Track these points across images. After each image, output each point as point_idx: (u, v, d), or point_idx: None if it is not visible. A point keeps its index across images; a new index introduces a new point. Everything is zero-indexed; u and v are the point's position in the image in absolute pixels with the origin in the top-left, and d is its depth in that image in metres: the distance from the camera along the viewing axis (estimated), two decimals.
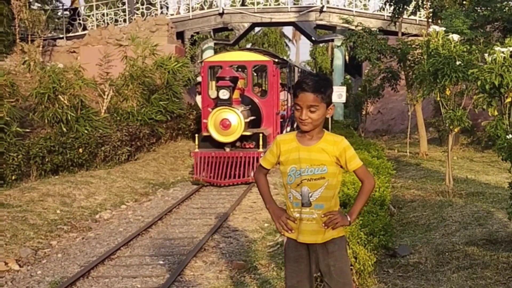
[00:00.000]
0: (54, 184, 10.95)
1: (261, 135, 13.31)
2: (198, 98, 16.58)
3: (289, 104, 17.86)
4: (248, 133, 13.30)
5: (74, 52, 22.55)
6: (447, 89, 8.85)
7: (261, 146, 13.21)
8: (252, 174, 12.38)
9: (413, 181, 10.87)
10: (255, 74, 19.72)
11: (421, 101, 14.44)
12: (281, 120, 16.42)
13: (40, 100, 13.62)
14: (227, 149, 13.14)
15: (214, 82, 13.97)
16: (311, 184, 3.49)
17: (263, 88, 16.86)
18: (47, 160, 12.23)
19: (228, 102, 12.87)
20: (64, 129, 13.33)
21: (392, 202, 8.72)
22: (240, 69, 15.76)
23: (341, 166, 3.54)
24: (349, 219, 3.54)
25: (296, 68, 20.47)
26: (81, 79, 14.62)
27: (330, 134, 3.58)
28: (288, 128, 18.05)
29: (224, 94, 12.80)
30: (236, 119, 12.95)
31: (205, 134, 13.43)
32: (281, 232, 3.66)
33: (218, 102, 12.97)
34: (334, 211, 3.54)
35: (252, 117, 14.14)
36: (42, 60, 19.15)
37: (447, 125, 9.08)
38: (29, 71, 16.67)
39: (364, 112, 18.05)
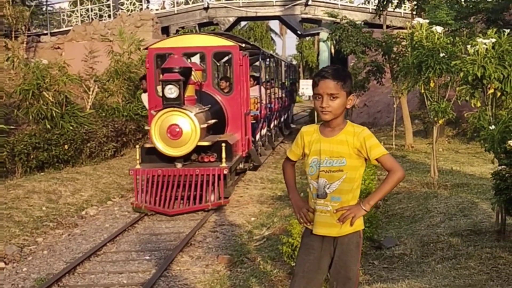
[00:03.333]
0: (40, 181, 10.89)
1: (223, 145, 9.91)
2: (144, 97, 12.67)
3: (264, 102, 14.99)
4: (206, 143, 10.03)
5: (58, 48, 22.46)
6: (431, 81, 8.87)
7: (224, 160, 9.91)
8: (212, 198, 9.71)
9: None
10: (219, 64, 16.36)
11: (406, 94, 14.49)
12: (254, 121, 13.45)
13: (24, 97, 13.55)
14: (179, 165, 9.88)
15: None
16: (328, 176, 3.46)
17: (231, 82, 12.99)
18: (32, 157, 12.16)
19: (177, 102, 9.69)
20: (49, 126, 13.25)
21: None
22: (203, 60, 12.68)
23: (365, 159, 3.45)
24: (363, 207, 3.42)
25: (274, 58, 18.95)
26: (66, 75, 14.55)
27: (352, 125, 3.51)
28: (263, 131, 15.38)
29: (171, 92, 9.67)
30: (188, 124, 9.74)
31: (148, 145, 10.25)
32: (301, 224, 3.64)
33: (164, 102, 9.86)
34: (347, 206, 3.44)
35: (213, 120, 10.95)
36: (26, 56, 19.07)
37: (431, 117, 9.12)
38: (13, 68, 16.57)
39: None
